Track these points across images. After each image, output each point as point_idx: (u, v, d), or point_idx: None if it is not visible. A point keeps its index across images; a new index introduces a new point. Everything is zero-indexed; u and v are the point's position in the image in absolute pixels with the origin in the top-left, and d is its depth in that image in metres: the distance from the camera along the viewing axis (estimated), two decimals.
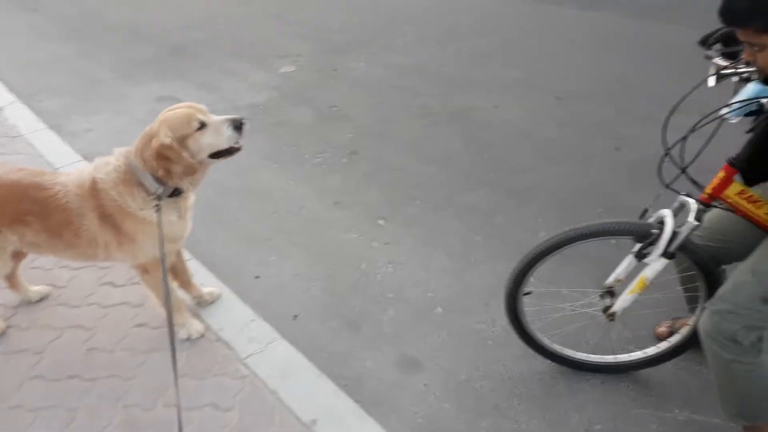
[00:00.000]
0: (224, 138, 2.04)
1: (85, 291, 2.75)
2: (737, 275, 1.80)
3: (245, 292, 2.81)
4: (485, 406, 2.24)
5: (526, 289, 2.23)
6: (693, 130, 1.74)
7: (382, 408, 2.23)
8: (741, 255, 1.90)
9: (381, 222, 3.29)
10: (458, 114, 4.37)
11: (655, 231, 1.92)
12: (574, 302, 2.61)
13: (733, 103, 1.61)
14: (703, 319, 1.82)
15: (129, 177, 2.04)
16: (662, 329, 2.49)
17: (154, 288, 2.32)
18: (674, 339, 2.25)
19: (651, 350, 2.29)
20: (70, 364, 2.31)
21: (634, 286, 2.03)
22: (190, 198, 2.24)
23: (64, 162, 3.84)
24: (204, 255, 3.04)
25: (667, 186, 1.85)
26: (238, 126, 2.05)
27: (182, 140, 1.98)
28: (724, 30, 1.76)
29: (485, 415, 2.21)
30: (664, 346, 2.27)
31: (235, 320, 2.52)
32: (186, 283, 2.58)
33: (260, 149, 4.07)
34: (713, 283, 1.99)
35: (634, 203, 3.24)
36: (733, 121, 1.68)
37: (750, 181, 1.93)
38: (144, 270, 2.27)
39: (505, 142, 3.98)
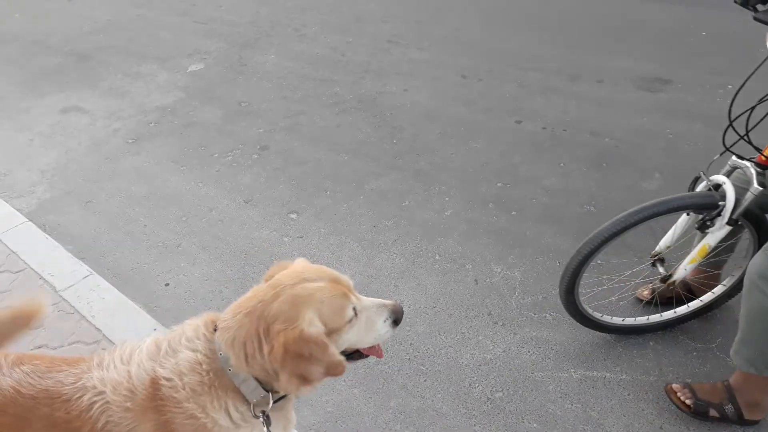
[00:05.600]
0: (374, 335, 1.37)
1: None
2: None
3: (155, 302, 2.78)
4: (393, 387, 2.31)
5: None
6: (762, 101, 1.76)
7: (295, 402, 2.26)
8: None
9: (293, 216, 3.29)
10: (368, 100, 4.39)
11: (722, 203, 1.90)
12: (621, 273, 2.49)
13: None
14: (757, 260, 1.79)
15: (218, 379, 1.28)
16: (646, 292, 2.48)
17: None
18: (718, 290, 2.29)
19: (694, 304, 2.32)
20: None
21: (696, 254, 2.05)
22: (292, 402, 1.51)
23: None
24: (109, 268, 2.98)
25: (727, 149, 1.88)
26: (398, 320, 1.40)
27: (330, 334, 1.29)
28: None
29: (393, 396, 2.27)
30: (708, 297, 2.31)
31: (137, 331, 2.49)
32: None
33: (168, 154, 3.99)
34: (763, 230, 2.03)
35: (533, 174, 3.37)
36: None
37: None
38: None
39: (414, 124, 4.03)
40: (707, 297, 2.31)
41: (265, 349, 1.23)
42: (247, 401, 1.30)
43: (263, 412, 1.31)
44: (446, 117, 4.06)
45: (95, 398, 1.28)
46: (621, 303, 2.43)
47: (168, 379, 1.26)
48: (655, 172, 3.21)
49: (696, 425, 2.05)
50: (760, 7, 1.72)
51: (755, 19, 1.75)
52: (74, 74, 5.34)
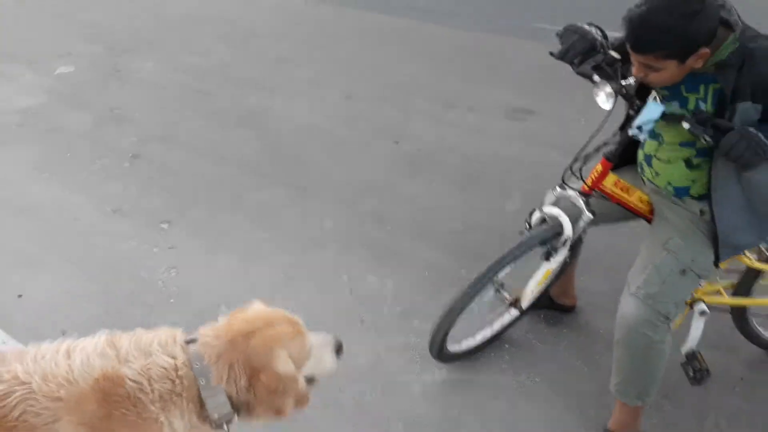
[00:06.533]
0: (326, 367, 1.54)
1: None
2: (650, 257, 1.92)
3: (5, 315, 2.58)
4: None
5: None
6: (598, 149, 1.94)
7: None
8: (600, 222, 2.14)
9: (164, 226, 3.20)
10: (251, 115, 4.39)
11: (567, 235, 2.03)
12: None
13: (644, 123, 1.73)
14: (631, 308, 1.88)
15: (187, 389, 1.34)
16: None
17: None
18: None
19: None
20: None
21: (540, 278, 2.19)
22: None
23: None
24: None
25: (563, 182, 2.04)
26: (339, 349, 1.57)
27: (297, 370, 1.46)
28: (580, 44, 1.85)
29: None
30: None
31: None
32: None
33: (29, 159, 3.72)
34: (576, 250, 2.30)
35: (408, 192, 3.54)
36: (641, 138, 1.80)
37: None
38: None
39: (297, 141, 4.08)
40: (526, 301, 2.44)
41: (243, 381, 1.35)
42: (201, 413, 1.35)
43: (227, 424, 1.37)
44: (329, 135, 4.15)
45: (16, 388, 1.24)
46: (474, 330, 2.50)
47: (135, 381, 1.29)
48: (517, 194, 3.49)
49: (544, 418, 2.25)
50: (576, 61, 1.87)
51: (577, 73, 1.90)
52: None
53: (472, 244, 3.06)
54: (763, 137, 1.59)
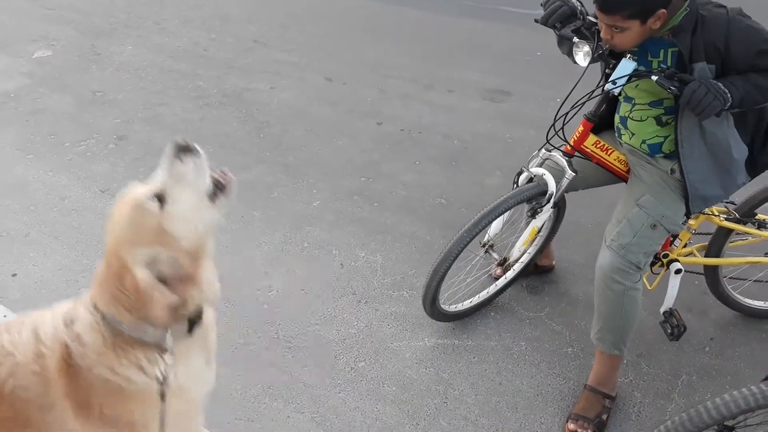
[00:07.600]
0: (204, 184, 1.35)
1: None
2: (624, 211, 2.08)
3: (1, 293, 2.60)
4: (261, 364, 2.39)
5: None
6: (575, 106, 2.04)
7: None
8: (581, 185, 2.31)
9: None
10: (234, 96, 4.41)
11: (551, 191, 2.15)
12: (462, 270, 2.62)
13: (617, 79, 1.89)
14: (607, 258, 2.05)
15: (118, 337, 1.30)
16: (498, 272, 2.70)
17: None
18: (525, 258, 2.58)
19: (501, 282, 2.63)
20: None
21: (527, 237, 2.28)
22: (211, 319, 1.53)
23: None
24: None
25: (548, 141, 2.17)
26: (182, 150, 1.31)
27: (160, 238, 1.28)
28: (562, 9, 1.98)
29: (261, 373, 2.37)
30: (510, 275, 2.62)
31: None
32: None
33: (11, 141, 3.70)
34: (563, 208, 2.43)
35: (392, 170, 3.63)
36: (617, 92, 1.96)
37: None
38: None
39: (281, 121, 4.13)
40: (518, 267, 2.62)
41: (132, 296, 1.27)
42: (147, 349, 1.32)
43: (162, 349, 1.32)
44: (312, 116, 4.21)
45: (2, 359, 1.29)
46: (466, 291, 2.65)
47: (78, 348, 1.29)
48: (496, 170, 3.62)
49: (528, 378, 2.39)
50: (558, 25, 2.01)
51: (558, 35, 2.04)
52: None
53: (457, 219, 3.17)
54: (721, 85, 1.78)
